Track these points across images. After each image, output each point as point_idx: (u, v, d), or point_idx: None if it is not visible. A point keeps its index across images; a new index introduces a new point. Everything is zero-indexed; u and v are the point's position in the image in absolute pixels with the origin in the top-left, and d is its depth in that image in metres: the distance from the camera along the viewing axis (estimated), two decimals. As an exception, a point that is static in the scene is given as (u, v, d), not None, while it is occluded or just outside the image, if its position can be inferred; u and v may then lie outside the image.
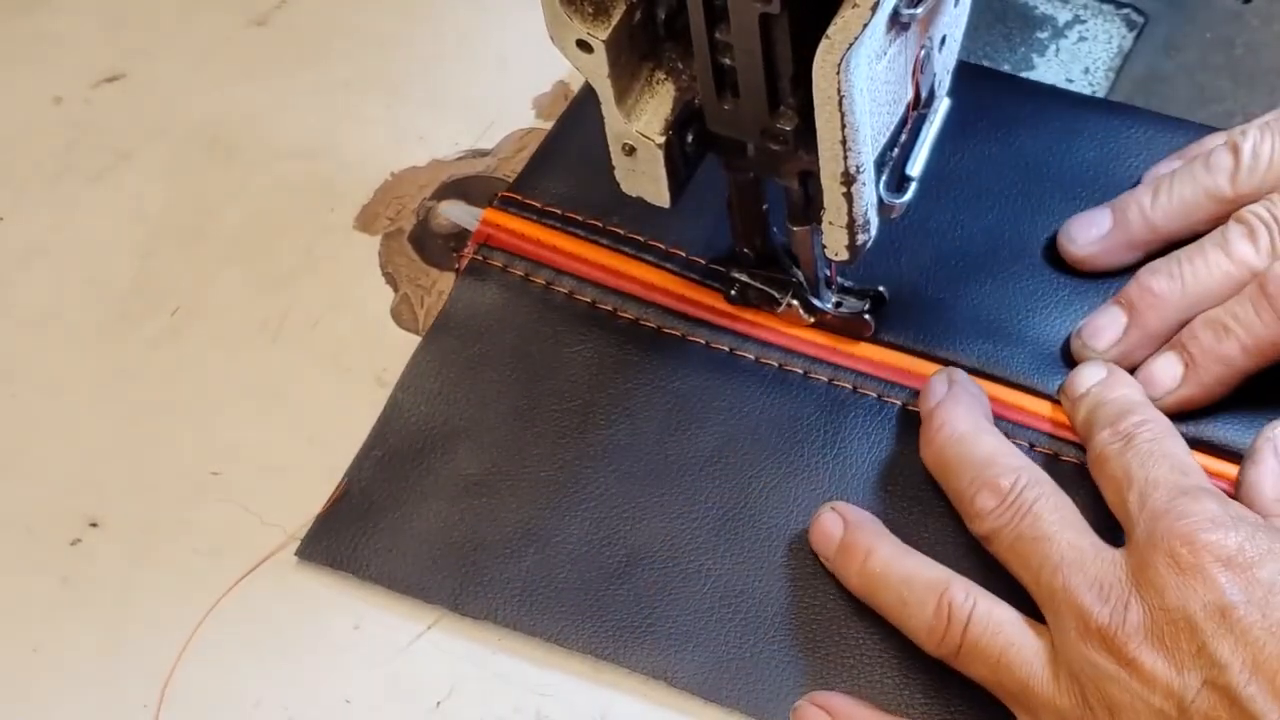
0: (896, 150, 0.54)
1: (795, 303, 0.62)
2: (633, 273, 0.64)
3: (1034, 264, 0.63)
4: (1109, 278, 0.61)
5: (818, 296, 0.61)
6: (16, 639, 0.59)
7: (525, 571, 0.58)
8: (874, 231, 0.55)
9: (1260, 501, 0.54)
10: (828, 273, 0.60)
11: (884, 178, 0.54)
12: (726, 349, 0.62)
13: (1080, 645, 0.50)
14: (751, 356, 0.62)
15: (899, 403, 0.60)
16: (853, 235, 0.54)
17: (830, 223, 0.54)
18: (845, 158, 0.51)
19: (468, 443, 0.61)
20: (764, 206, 0.59)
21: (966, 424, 0.57)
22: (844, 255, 0.55)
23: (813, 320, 0.62)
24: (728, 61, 0.52)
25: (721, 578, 0.57)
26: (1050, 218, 0.63)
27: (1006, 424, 0.59)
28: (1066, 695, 0.50)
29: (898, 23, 0.50)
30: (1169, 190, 0.60)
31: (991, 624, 0.52)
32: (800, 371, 0.62)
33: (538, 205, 0.66)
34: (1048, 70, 0.69)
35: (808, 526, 0.58)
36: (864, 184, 0.52)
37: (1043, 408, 0.59)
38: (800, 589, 0.57)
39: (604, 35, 0.51)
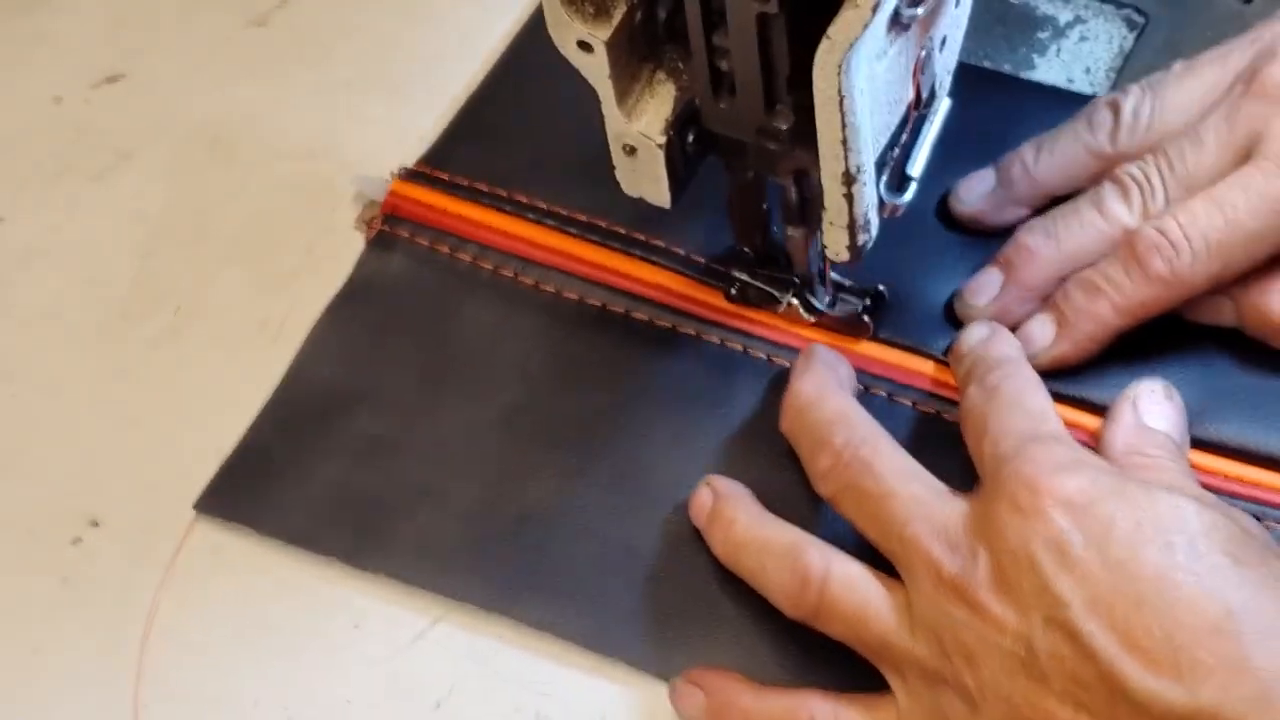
0: (897, 150, 0.55)
1: (796, 302, 0.62)
2: (535, 238, 0.66)
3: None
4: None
5: (815, 296, 0.61)
6: (16, 639, 0.59)
7: (419, 528, 0.59)
8: (874, 232, 0.55)
9: (1112, 453, 0.55)
10: (821, 272, 0.60)
11: (884, 178, 0.54)
12: (623, 310, 0.64)
13: (933, 595, 0.50)
14: (667, 323, 0.63)
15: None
16: (853, 235, 0.54)
17: (831, 223, 0.54)
18: (846, 158, 0.51)
19: (368, 404, 0.63)
20: (764, 206, 0.59)
21: (811, 390, 0.57)
22: (845, 255, 0.55)
23: (814, 320, 0.62)
24: (724, 62, 0.52)
25: (609, 535, 0.59)
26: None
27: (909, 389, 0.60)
28: (924, 645, 0.51)
29: (898, 23, 0.50)
30: (1050, 147, 0.61)
31: (847, 582, 0.53)
32: (692, 333, 0.63)
33: (444, 177, 0.68)
34: (1048, 70, 0.69)
35: (695, 482, 0.59)
36: (864, 184, 0.52)
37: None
38: (685, 547, 0.58)
39: (605, 36, 0.51)
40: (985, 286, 0.60)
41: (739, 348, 0.62)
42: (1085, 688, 0.47)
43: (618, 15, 0.51)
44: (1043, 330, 0.59)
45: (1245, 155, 0.57)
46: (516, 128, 0.69)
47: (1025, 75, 0.69)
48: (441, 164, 0.68)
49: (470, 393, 0.62)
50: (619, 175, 0.56)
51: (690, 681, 0.55)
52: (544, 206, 0.66)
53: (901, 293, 0.62)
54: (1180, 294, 0.57)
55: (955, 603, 0.50)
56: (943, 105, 0.56)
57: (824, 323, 0.62)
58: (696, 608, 0.57)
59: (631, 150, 0.55)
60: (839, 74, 0.48)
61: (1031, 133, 0.65)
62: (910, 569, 0.52)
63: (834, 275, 0.61)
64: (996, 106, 0.66)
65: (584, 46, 0.52)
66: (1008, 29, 0.70)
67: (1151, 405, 0.56)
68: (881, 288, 0.62)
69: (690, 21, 0.51)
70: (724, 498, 0.57)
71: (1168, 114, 0.59)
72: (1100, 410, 0.58)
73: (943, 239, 0.63)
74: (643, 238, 0.65)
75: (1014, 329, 0.59)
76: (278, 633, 0.58)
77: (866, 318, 0.61)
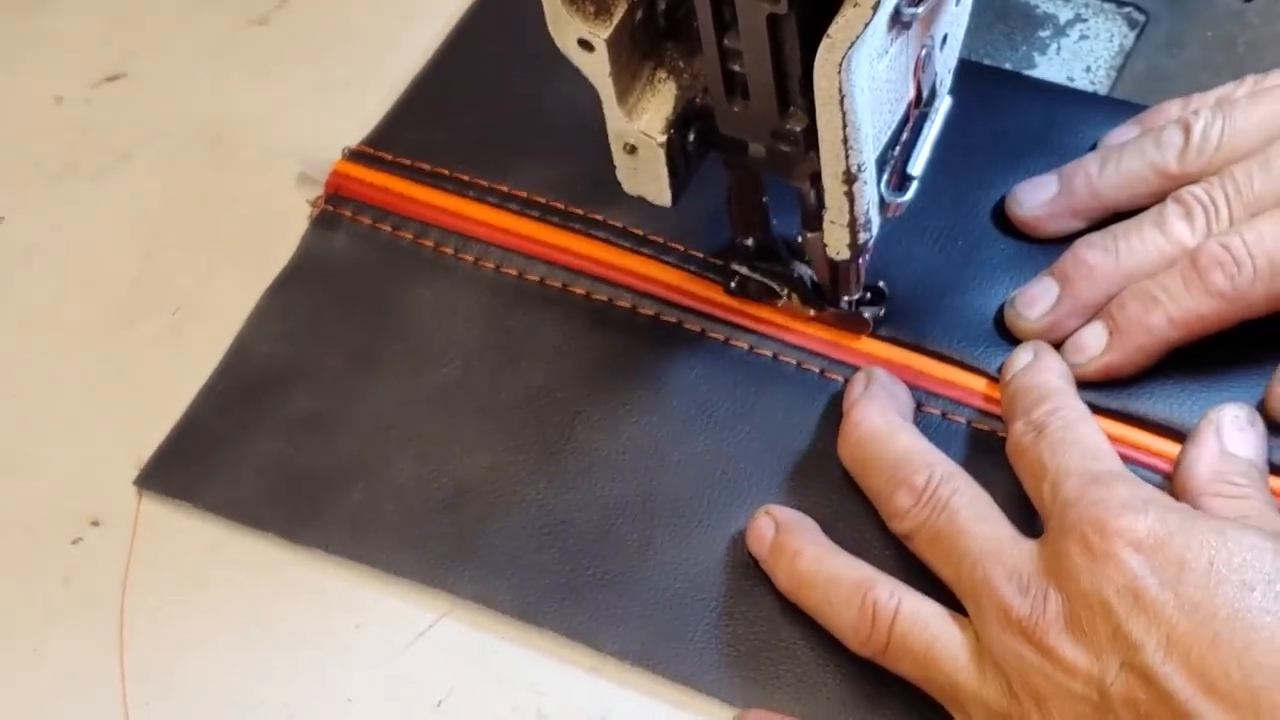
0: (898, 149, 0.54)
1: (795, 297, 0.62)
2: (476, 216, 0.66)
3: (1032, 260, 0.62)
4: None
5: (832, 301, 0.61)
6: (16, 639, 0.59)
7: (355, 503, 0.60)
8: (875, 230, 0.55)
9: (1195, 481, 0.54)
10: (846, 276, 0.60)
11: (885, 176, 0.54)
12: (560, 284, 0.64)
13: (1002, 636, 0.50)
14: (603, 296, 0.64)
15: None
16: (854, 234, 0.54)
17: (832, 221, 0.54)
18: (846, 156, 0.51)
19: (308, 381, 0.63)
20: (764, 199, 0.59)
21: (879, 421, 0.57)
22: (845, 254, 0.55)
23: (812, 314, 0.62)
24: (736, 65, 0.52)
25: (544, 508, 0.59)
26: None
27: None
28: (992, 686, 0.51)
29: (899, 22, 0.50)
30: (1117, 161, 0.61)
31: (918, 620, 0.52)
32: (648, 312, 0.63)
33: (387, 157, 0.68)
34: (1049, 69, 0.69)
35: (628, 460, 0.59)
36: (865, 183, 0.52)
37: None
38: (618, 518, 0.59)
39: (605, 34, 0.51)
40: (1040, 298, 0.59)
41: (697, 329, 0.62)
42: None
43: (618, 13, 0.51)
44: (1095, 338, 0.58)
45: None
46: (461, 109, 0.70)
47: (1025, 73, 0.69)
48: (386, 144, 0.69)
49: (409, 368, 0.63)
50: (619, 174, 0.56)
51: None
52: (485, 184, 0.67)
53: (948, 300, 0.62)
54: (1239, 311, 0.56)
55: (1024, 644, 0.49)
56: (944, 104, 0.56)
57: (822, 317, 0.62)
58: (625, 576, 0.57)
59: (632, 149, 0.55)
60: (840, 73, 0.48)
61: (1035, 130, 0.65)
62: (980, 609, 0.51)
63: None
64: (1001, 103, 0.66)
65: (584, 45, 0.52)
66: (1008, 27, 0.70)
67: (1235, 431, 0.55)
68: (882, 284, 0.61)
69: (701, 25, 0.51)
70: (786, 528, 0.56)
71: (1237, 137, 0.59)
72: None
73: (996, 244, 0.63)
74: (581, 213, 0.66)
75: (1063, 342, 0.59)
76: (279, 632, 0.58)
77: (867, 315, 0.61)
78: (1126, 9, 0.70)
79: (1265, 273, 0.55)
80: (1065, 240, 0.61)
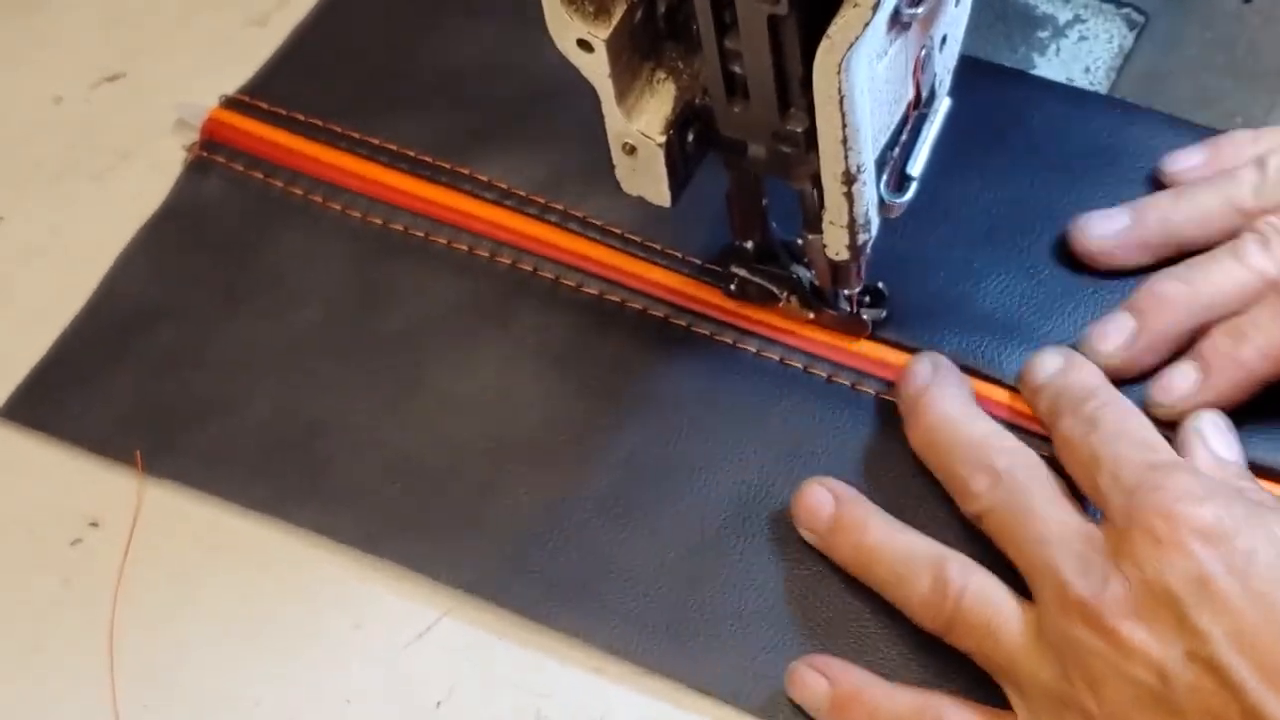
0: (897, 150, 0.54)
1: (794, 299, 0.62)
2: (345, 166, 0.68)
3: (1033, 262, 0.62)
4: (1107, 279, 0.61)
5: (831, 302, 0.61)
6: (16, 639, 0.59)
7: (211, 438, 0.62)
8: (875, 231, 0.55)
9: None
10: (846, 278, 0.60)
11: (884, 177, 0.54)
12: (423, 234, 0.66)
13: (1061, 618, 0.50)
14: (442, 240, 0.66)
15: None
16: (853, 235, 0.54)
17: (831, 222, 0.54)
18: (846, 157, 0.51)
19: (171, 319, 0.65)
20: (764, 201, 0.59)
21: (956, 407, 0.57)
22: (844, 255, 0.55)
23: (812, 316, 0.62)
24: (736, 66, 0.52)
25: (393, 446, 0.61)
26: (1049, 218, 0.63)
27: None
28: (1049, 668, 0.51)
29: (898, 22, 0.50)
30: (1191, 196, 0.60)
31: (982, 597, 0.53)
32: (508, 261, 0.65)
33: (263, 106, 0.70)
34: (1048, 69, 0.69)
35: (479, 403, 0.61)
36: (864, 183, 0.52)
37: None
38: (466, 458, 0.60)
39: (605, 34, 0.51)
40: (1115, 333, 0.59)
41: (572, 284, 0.64)
42: None
43: (618, 14, 0.51)
44: (1185, 378, 0.57)
45: None
46: (337, 63, 0.72)
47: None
48: (262, 94, 0.71)
49: (271, 310, 0.65)
50: (618, 174, 0.56)
51: (814, 668, 0.54)
52: (356, 136, 0.68)
53: (948, 302, 0.62)
54: None
55: (1081, 626, 0.50)
56: (943, 104, 0.56)
57: (822, 320, 0.62)
58: (469, 513, 0.59)
59: (631, 149, 0.55)
60: (839, 73, 0.48)
61: (1038, 131, 0.65)
62: (1041, 589, 0.51)
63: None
64: (1004, 102, 0.66)
65: (584, 45, 0.52)
66: (1008, 27, 0.70)
67: (1217, 436, 0.55)
68: (881, 285, 0.61)
69: (701, 25, 0.51)
70: (849, 502, 0.57)
71: None
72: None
73: (997, 246, 0.63)
74: (448, 166, 0.67)
75: (1138, 380, 0.58)
76: (278, 633, 0.58)
77: (866, 317, 0.61)
78: (1126, 9, 0.70)
79: None
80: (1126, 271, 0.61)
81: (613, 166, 0.56)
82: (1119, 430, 0.54)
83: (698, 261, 0.64)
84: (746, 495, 0.59)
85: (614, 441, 0.60)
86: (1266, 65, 0.68)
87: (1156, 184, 0.63)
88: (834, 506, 0.57)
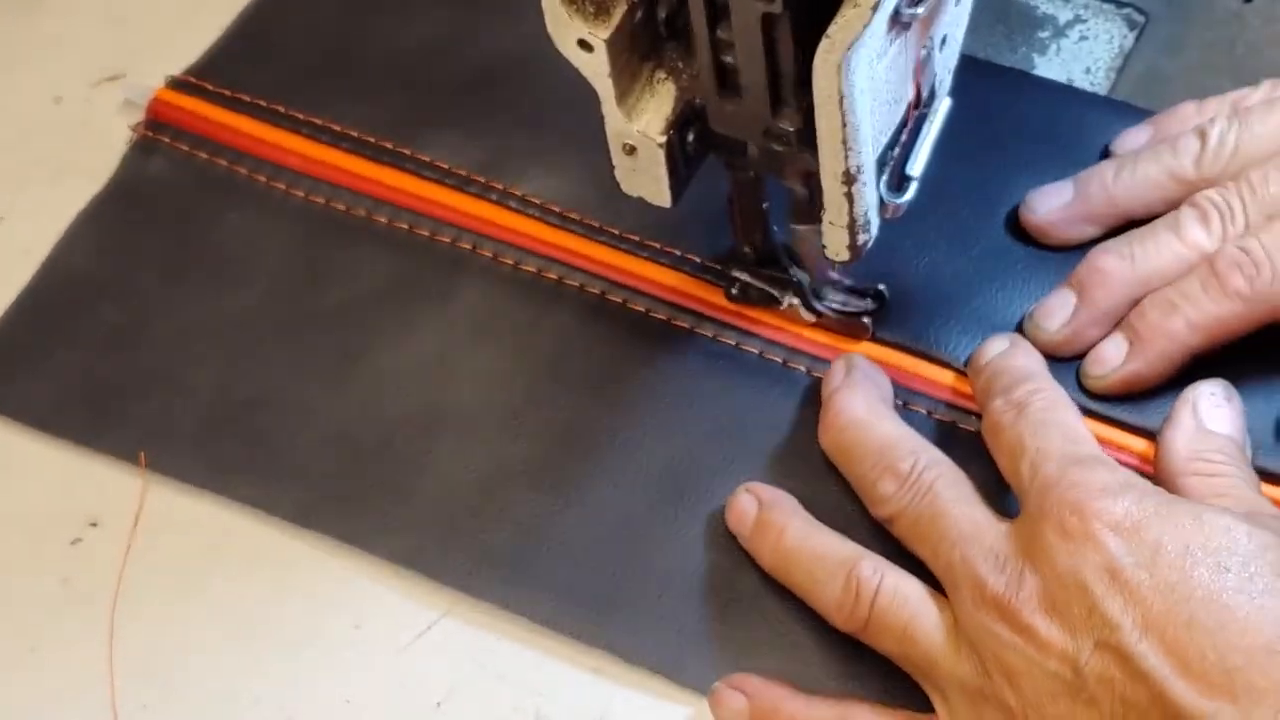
0: (897, 150, 0.54)
1: (796, 302, 0.62)
2: (290, 146, 0.69)
3: (1033, 263, 0.62)
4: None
5: (820, 297, 0.61)
6: (16, 639, 0.59)
7: (152, 413, 0.63)
8: (874, 231, 0.55)
9: (1174, 461, 0.54)
10: (832, 272, 0.60)
11: (884, 177, 0.54)
12: (364, 213, 0.67)
13: (977, 614, 0.50)
14: (383, 218, 0.67)
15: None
16: (853, 235, 0.54)
17: (831, 223, 0.54)
18: (846, 157, 0.51)
19: (115, 297, 0.66)
20: (765, 205, 0.59)
21: (862, 409, 0.57)
22: (844, 255, 0.55)
23: (814, 320, 0.62)
24: (730, 60, 0.52)
25: (330, 421, 0.62)
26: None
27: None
28: (967, 664, 0.51)
29: (899, 22, 0.50)
30: (1133, 167, 0.61)
31: (897, 598, 0.53)
32: (425, 234, 0.66)
33: (208, 86, 0.71)
34: (1048, 69, 0.69)
35: (414, 379, 0.62)
36: (864, 184, 0.52)
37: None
38: (400, 432, 0.61)
39: (605, 35, 0.51)
40: (1057, 309, 0.59)
41: (510, 262, 0.65)
42: (1136, 710, 0.47)
43: (618, 14, 0.51)
44: (1116, 349, 0.58)
45: None
46: (283, 45, 0.72)
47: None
48: (208, 75, 0.71)
49: (213, 287, 0.66)
50: (618, 175, 0.56)
51: (733, 686, 0.54)
52: (300, 117, 0.69)
53: (949, 304, 0.62)
54: (1259, 313, 0.56)
55: (998, 621, 0.50)
56: (943, 105, 0.56)
57: (824, 323, 0.62)
58: (402, 486, 0.60)
59: (631, 150, 0.55)
60: (839, 73, 0.48)
61: (1038, 131, 0.65)
62: (957, 588, 0.52)
63: (836, 275, 0.61)
64: (1004, 102, 0.66)
65: (584, 45, 0.52)
66: (1008, 28, 0.70)
67: (1212, 408, 0.55)
68: (881, 287, 0.61)
69: (695, 23, 0.51)
70: (770, 506, 0.57)
71: (1253, 142, 0.59)
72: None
73: (998, 247, 0.63)
74: (390, 146, 0.68)
75: (1086, 354, 0.59)
76: (277, 633, 0.58)
77: (866, 319, 0.61)
78: (1126, 10, 0.70)
79: None
80: (1078, 247, 0.61)
81: (612, 166, 0.56)
82: (1045, 419, 0.54)
83: (636, 238, 0.64)
84: (679, 468, 0.59)
85: (549, 416, 0.61)
86: (1267, 65, 0.68)
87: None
88: (756, 510, 0.57)
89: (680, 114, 0.54)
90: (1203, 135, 0.60)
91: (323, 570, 0.59)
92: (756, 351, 0.62)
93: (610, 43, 0.51)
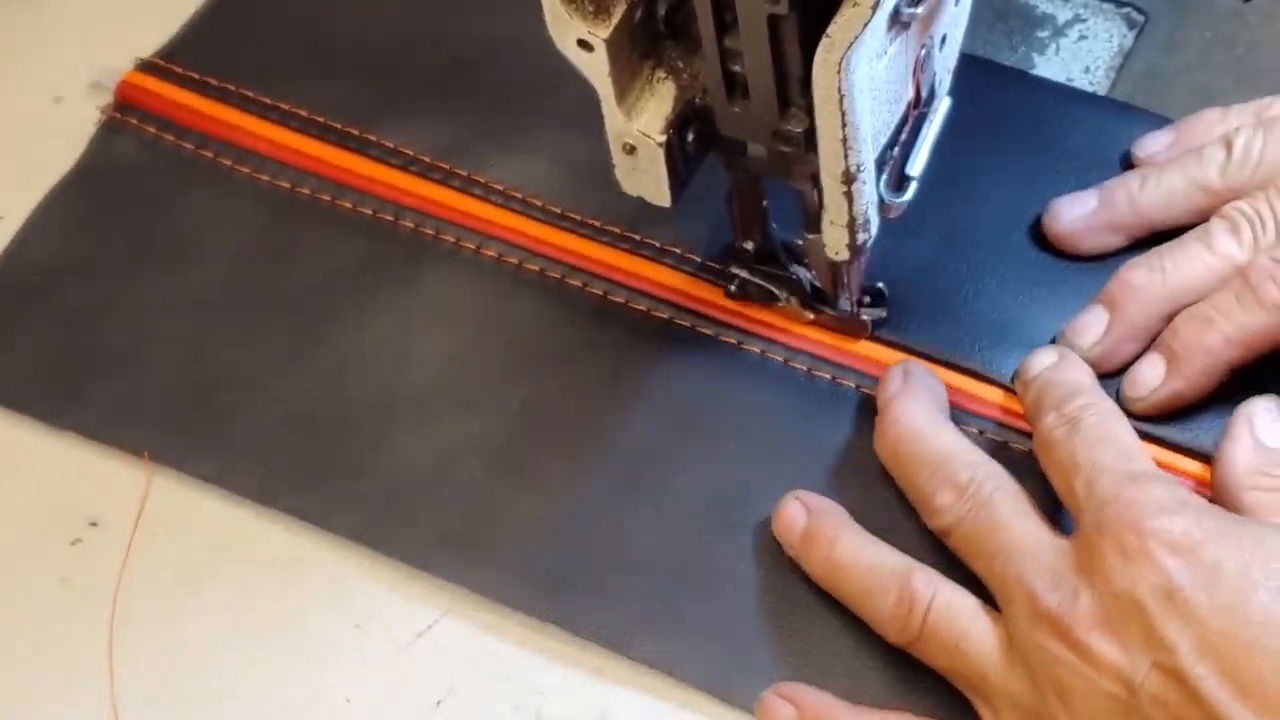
0: (897, 149, 0.54)
1: (794, 300, 0.62)
2: (255, 130, 0.69)
3: (1033, 262, 0.62)
4: (1109, 275, 0.61)
5: (831, 302, 0.61)
6: (16, 639, 0.59)
7: (116, 392, 0.63)
8: (874, 231, 0.55)
9: (1234, 476, 0.54)
10: (846, 278, 0.60)
11: (884, 177, 0.54)
12: (329, 197, 0.67)
13: (1031, 631, 0.50)
14: (348, 204, 0.67)
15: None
16: (853, 234, 0.54)
17: (831, 222, 0.54)
18: (845, 157, 0.51)
19: (82, 277, 0.67)
20: (764, 203, 0.59)
21: (921, 419, 0.57)
22: (844, 254, 0.55)
23: (812, 318, 0.62)
24: (736, 64, 0.52)
25: (291, 400, 0.63)
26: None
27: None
28: (1019, 681, 0.51)
29: (898, 22, 0.50)
30: (1158, 177, 0.61)
31: (950, 612, 0.53)
32: (389, 218, 0.67)
33: (176, 70, 0.71)
34: (1048, 69, 0.69)
35: (374, 359, 0.63)
36: (864, 183, 0.52)
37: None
38: (358, 412, 0.62)
39: (605, 34, 0.51)
40: (1090, 326, 0.59)
41: (472, 247, 0.65)
42: None
43: (618, 13, 0.51)
44: (1153, 370, 0.58)
45: None
46: (252, 29, 0.73)
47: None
48: (176, 57, 0.72)
49: (178, 269, 0.66)
50: (618, 174, 0.56)
51: (782, 696, 0.54)
52: (268, 101, 0.70)
53: (949, 303, 0.62)
54: None
55: (1052, 638, 0.50)
56: (943, 104, 0.56)
57: (822, 321, 0.62)
58: (359, 464, 0.61)
59: (631, 149, 0.55)
60: (839, 73, 0.48)
61: (1039, 131, 0.65)
62: (1011, 603, 0.51)
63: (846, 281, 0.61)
64: (1005, 102, 0.66)
65: (584, 45, 0.51)
66: (1007, 27, 0.70)
67: (1269, 423, 0.55)
68: (881, 286, 0.61)
69: (701, 25, 0.51)
70: (820, 514, 0.56)
71: (1279, 151, 0.59)
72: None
73: (998, 246, 0.63)
74: (356, 132, 0.69)
75: (1122, 371, 0.58)
76: (278, 632, 0.58)
77: (866, 318, 0.61)
78: (1125, 9, 0.70)
79: None
80: (1099, 258, 0.61)
81: (612, 165, 0.56)
82: (1099, 435, 0.54)
83: (596, 224, 0.65)
84: (636, 451, 0.60)
85: (508, 398, 0.62)
86: (1267, 65, 0.68)
87: (1131, 168, 0.63)
88: (806, 519, 0.56)
89: (680, 113, 0.54)
90: (1228, 145, 0.60)
91: (323, 570, 0.59)
92: (711, 333, 0.63)
93: (610, 42, 0.51)
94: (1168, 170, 0.61)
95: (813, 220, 0.56)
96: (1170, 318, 0.58)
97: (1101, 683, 0.49)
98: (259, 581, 0.60)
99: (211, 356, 0.64)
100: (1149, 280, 0.58)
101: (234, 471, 0.61)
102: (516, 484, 0.60)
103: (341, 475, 0.61)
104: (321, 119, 0.69)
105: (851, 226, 0.54)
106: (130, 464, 0.62)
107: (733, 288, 0.63)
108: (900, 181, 0.55)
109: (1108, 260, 0.61)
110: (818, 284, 0.61)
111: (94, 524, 0.61)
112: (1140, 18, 0.70)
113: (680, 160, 0.55)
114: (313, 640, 0.58)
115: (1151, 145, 0.63)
